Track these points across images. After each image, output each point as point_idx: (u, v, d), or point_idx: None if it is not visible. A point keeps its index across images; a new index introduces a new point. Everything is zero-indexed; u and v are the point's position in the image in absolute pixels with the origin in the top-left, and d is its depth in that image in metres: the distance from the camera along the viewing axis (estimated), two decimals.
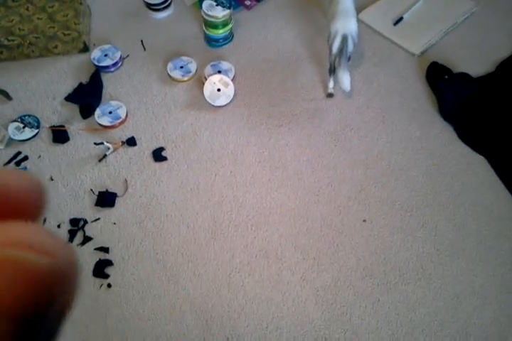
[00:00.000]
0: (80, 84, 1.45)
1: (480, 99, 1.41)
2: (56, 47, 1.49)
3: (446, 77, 1.45)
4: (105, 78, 1.47)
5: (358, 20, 1.46)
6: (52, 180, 1.31)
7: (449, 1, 1.60)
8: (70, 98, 1.42)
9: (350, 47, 1.31)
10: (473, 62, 1.47)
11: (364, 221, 1.25)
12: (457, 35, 1.53)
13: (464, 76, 1.45)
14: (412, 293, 1.16)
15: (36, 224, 0.13)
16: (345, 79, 1.33)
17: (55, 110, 1.42)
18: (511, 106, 1.39)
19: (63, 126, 1.38)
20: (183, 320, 1.14)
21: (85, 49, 1.50)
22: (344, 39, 1.28)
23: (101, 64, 1.45)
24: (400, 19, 1.56)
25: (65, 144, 1.37)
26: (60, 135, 1.37)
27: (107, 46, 1.48)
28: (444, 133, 1.37)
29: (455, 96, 1.42)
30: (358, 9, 1.48)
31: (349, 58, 1.35)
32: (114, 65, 1.46)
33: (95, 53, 1.46)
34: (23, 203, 0.14)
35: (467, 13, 1.57)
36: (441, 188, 1.30)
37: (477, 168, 1.32)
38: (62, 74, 1.49)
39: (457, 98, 1.41)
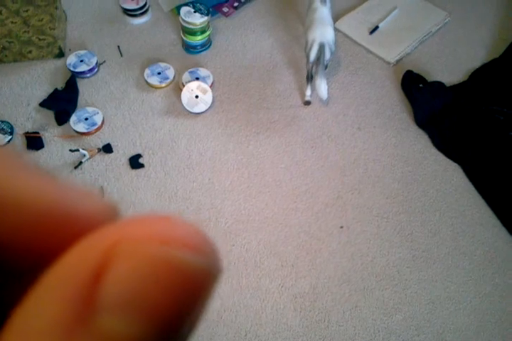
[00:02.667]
0: (55, 90, 1.42)
1: (453, 107, 1.45)
2: (30, 52, 1.46)
3: (421, 85, 1.48)
4: (81, 84, 1.45)
5: (335, 29, 1.48)
6: None
7: (423, 11, 1.64)
8: (44, 104, 1.40)
9: (327, 55, 1.32)
10: (447, 71, 1.51)
11: (341, 227, 1.26)
12: (431, 45, 1.57)
13: (438, 85, 1.48)
14: (388, 299, 1.18)
15: (187, 222, 0.12)
16: (322, 87, 1.34)
17: (29, 116, 1.40)
18: (483, 114, 1.43)
19: (38, 133, 1.35)
20: None
21: (61, 54, 1.48)
22: (321, 47, 1.30)
23: (77, 70, 1.43)
24: (376, 28, 1.58)
25: (40, 151, 1.34)
26: (34, 142, 1.34)
27: (82, 52, 1.46)
28: (419, 141, 1.40)
29: (429, 104, 1.45)
30: (335, 18, 1.51)
31: (326, 66, 1.37)
32: (91, 70, 1.44)
33: (71, 59, 1.44)
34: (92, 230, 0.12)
35: (441, 23, 1.61)
36: (416, 195, 1.32)
37: (451, 174, 1.35)
38: (37, 79, 1.46)
39: (431, 106, 1.44)
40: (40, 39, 1.43)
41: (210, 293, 0.11)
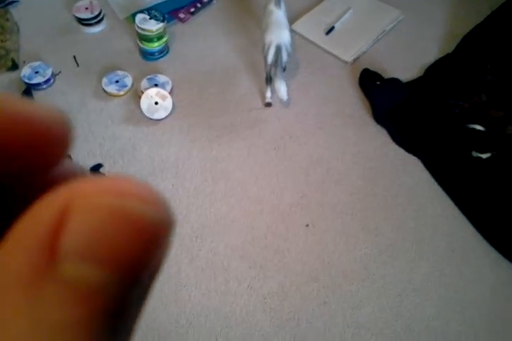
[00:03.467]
0: None
1: (410, 102, 1.48)
2: None
3: (378, 82, 1.51)
4: (37, 96, 1.42)
5: (292, 31, 1.50)
6: None
7: (376, 10, 1.67)
8: None
9: (285, 57, 1.34)
10: (403, 67, 1.54)
11: (307, 226, 1.28)
12: (386, 43, 1.60)
13: (395, 81, 1.51)
14: (356, 293, 1.19)
15: (139, 180, 0.12)
16: (282, 88, 1.36)
17: None
18: (440, 108, 1.46)
19: None
20: None
21: (14, 67, 1.45)
22: (278, 49, 1.32)
23: (32, 81, 1.41)
24: (332, 28, 1.61)
25: None
26: None
27: (37, 63, 1.43)
28: (378, 137, 1.42)
29: (387, 100, 1.48)
30: (291, 20, 1.52)
31: (284, 68, 1.39)
32: (46, 82, 1.42)
33: (25, 71, 1.42)
34: (50, 138, 0.13)
35: (394, 21, 1.65)
36: (379, 190, 1.34)
37: (412, 168, 1.38)
38: None
39: (389, 102, 1.47)
40: None
41: (167, 243, 0.12)
